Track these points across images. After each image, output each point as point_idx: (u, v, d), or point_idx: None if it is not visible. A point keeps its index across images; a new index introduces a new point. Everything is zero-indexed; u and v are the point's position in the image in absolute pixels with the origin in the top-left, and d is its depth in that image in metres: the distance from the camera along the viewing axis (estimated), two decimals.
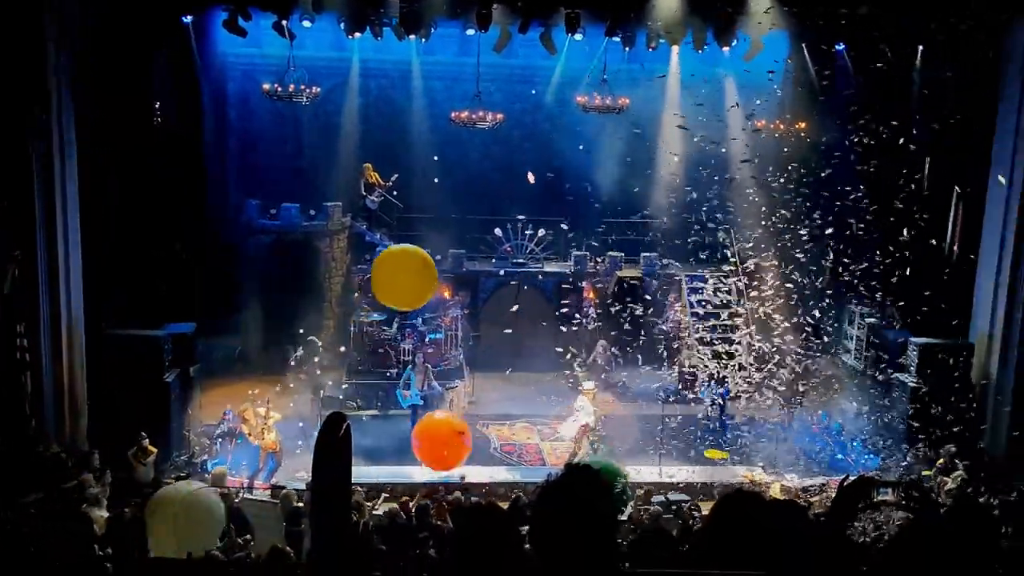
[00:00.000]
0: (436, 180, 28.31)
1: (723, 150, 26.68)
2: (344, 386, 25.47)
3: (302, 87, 24.97)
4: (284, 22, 23.19)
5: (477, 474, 21.49)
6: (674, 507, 18.70)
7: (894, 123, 23.82)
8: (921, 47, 24.17)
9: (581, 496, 3.90)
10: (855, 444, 23.46)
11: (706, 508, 17.71)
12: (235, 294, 27.19)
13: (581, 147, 28.79)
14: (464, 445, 20.92)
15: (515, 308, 27.42)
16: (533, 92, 29.70)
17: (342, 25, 24.30)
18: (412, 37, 24.77)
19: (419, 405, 23.28)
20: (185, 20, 23.72)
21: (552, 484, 3.98)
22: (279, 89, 24.86)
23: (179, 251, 23.67)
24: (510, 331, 27.39)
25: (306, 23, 23.79)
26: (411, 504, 17.62)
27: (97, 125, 20.69)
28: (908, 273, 23.44)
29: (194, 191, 25.96)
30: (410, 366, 24.13)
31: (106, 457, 19.00)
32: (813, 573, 4.29)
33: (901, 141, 23.84)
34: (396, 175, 27.95)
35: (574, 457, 21.82)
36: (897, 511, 17.99)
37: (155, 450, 19.67)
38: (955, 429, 21.75)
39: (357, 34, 24.53)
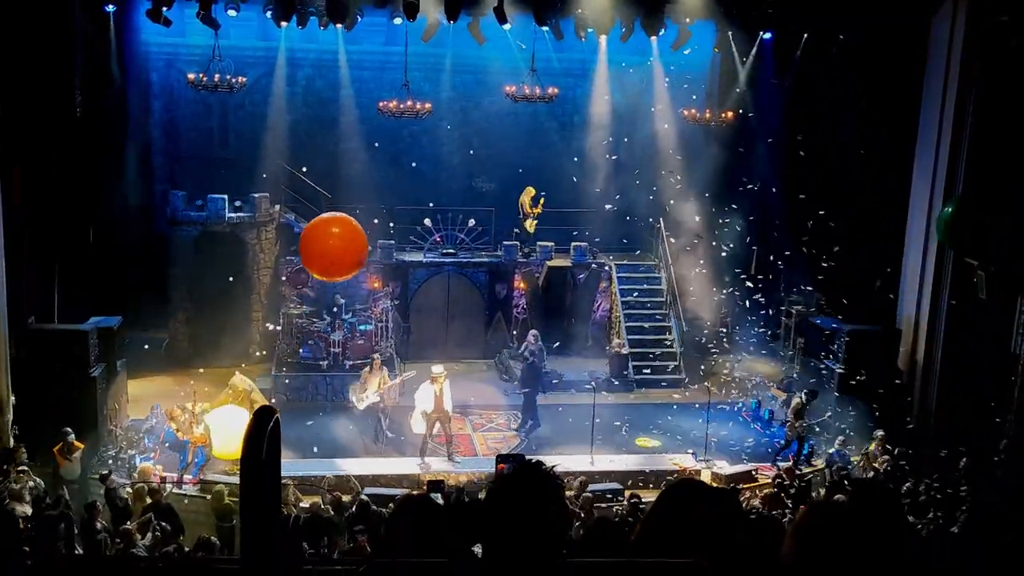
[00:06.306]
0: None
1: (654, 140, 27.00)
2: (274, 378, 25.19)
3: (228, 77, 24.66)
4: (207, 11, 22.90)
5: (409, 466, 21.39)
6: (608, 495, 18.79)
7: (821, 113, 24.07)
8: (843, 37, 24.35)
9: (539, 490, 3.87)
10: (785, 431, 23.61)
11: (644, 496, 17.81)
12: (162, 286, 26.81)
13: (509, 137, 28.89)
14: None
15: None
16: (461, 82, 29.62)
17: (268, 14, 24.08)
18: (338, 26, 24.62)
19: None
20: (108, 9, 23.39)
21: (509, 477, 3.96)
22: (204, 79, 24.51)
23: (89, 236, 23.42)
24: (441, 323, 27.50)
25: (231, 12, 23.54)
26: (338, 496, 17.65)
27: (16, 116, 20.29)
28: (835, 261, 23.66)
29: (118, 183, 25.62)
30: (365, 369, 23.37)
31: (32, 453, 18.71)
32: (750, 559, 4.29)
33: (827, 133, 24.15)
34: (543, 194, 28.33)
35: (425, 447, 21.58)
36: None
37: (81, 445, 19.32)
38: (883, 414, 21.99)
39: (284, 23, 24.27)
